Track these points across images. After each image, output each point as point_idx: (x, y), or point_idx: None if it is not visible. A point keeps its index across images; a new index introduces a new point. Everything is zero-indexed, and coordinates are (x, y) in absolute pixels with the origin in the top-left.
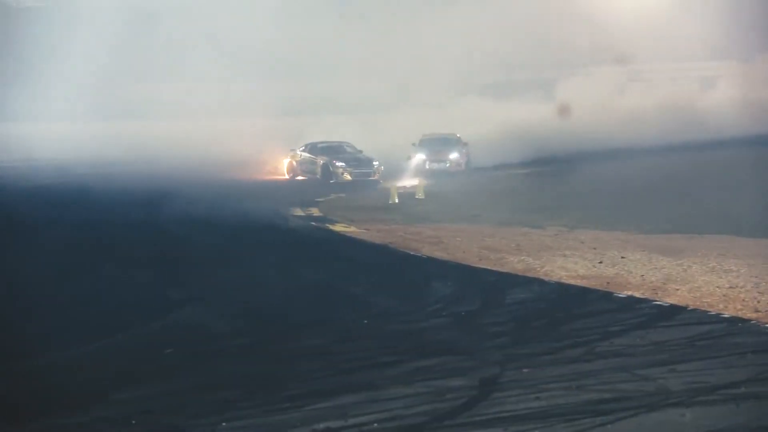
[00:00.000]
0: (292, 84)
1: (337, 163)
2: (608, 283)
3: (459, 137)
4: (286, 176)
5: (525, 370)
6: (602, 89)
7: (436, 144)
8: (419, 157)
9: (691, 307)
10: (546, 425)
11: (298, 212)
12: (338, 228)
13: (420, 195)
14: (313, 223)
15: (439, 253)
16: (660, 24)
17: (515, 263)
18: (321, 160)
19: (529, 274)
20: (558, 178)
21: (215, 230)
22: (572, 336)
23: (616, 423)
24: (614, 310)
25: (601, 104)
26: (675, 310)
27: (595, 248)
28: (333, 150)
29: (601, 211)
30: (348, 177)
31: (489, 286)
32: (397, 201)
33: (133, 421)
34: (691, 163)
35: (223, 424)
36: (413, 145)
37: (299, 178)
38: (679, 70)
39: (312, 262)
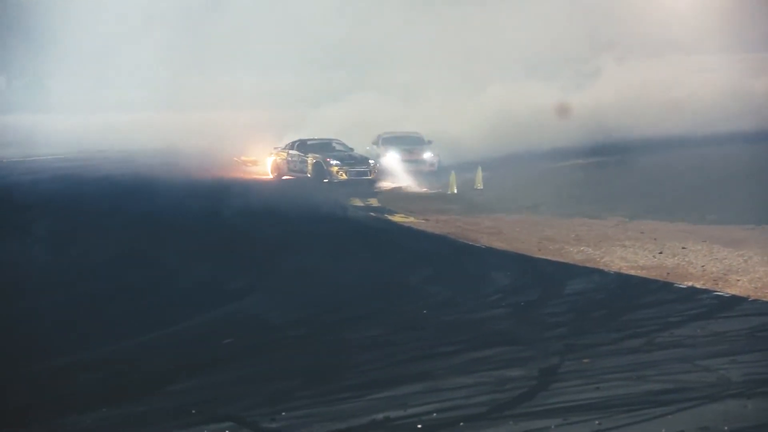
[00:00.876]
0: (348, 72)
1: (332, 162)
2: (668, 273)
3: (421, 135)
4: (270, 176)
5: (585, 361)
6: (660, 78)
7: (402, 143)
8: (392, 156)
9: (752, 298)
10: (606, 415)
11: (357, 203)
12: (397, 218)
13: (479, 185)
14: (372, 214)
15: (498, 244)
16: (712, 13)
17: (575, 254)
18: (312, 159)
19: (589, 265)
20: (616, 168)
21: (275, 221)
22: (632, 326)
23: (676, 414)
24: (674, 301)
25: (656, 94)
26: (736, 301)
27: (655, 239)
28: (323, 148)
29: (661, 201)
30: (343, 176)
31: (548, 277)
32: (455, 191)
33: (193, 411)
34: (748, 154)
35: (283, 413)
36: (373, 144)
37: (285, 177)
38: (735, 60)
39: (371, 253)
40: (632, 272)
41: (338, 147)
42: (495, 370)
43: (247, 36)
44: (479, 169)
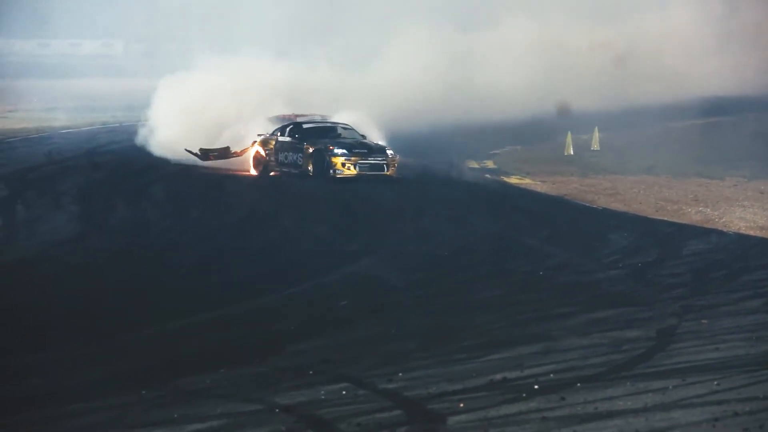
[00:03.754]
0: None
1: (336, 150)
2: None
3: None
4: (253, 171)
5: (703, 322)
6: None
7: (328, 135)
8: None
9: None
10: (724, 376)
11: (473, 165)
12: (513, 180)
13: (595, 146)
14: (488, 176)
15: (615, 205)
16: None
17: (693, 214)
18: (311, 147)
19: (707, 225)
20: (731, 128)
21: (391, 183)
22: (752, 287)
23: None
24: None
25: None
26: None
27: None
28: (324, 133)
29: None
30: (351, 170)
31: (666, 238)
32: (572, 152)
33: (311, 372)
34: None
35: (400, 374)
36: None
37: (273, 173)
38: None
39: (487, 214)
40: (752, 233)
41: (345, 133)
42: (612, 331)
43: None
44: (596, 129)
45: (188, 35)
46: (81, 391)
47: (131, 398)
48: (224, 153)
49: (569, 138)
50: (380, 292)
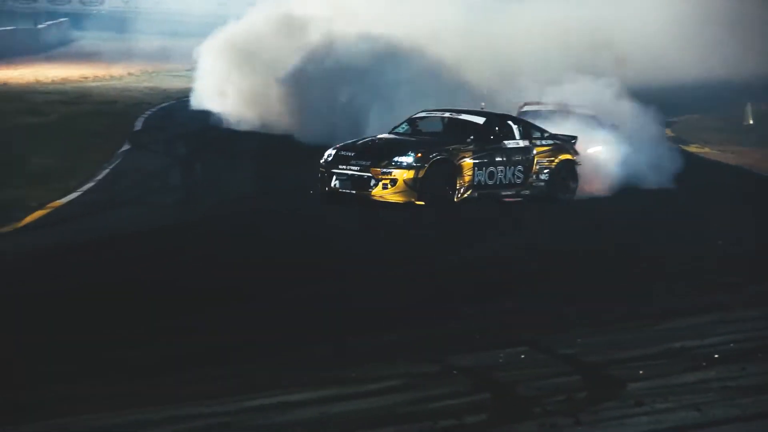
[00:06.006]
0: None
1: (333, 152)
2: None
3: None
4: None
5: None
6: None
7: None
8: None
9: None
10: None
11: None
12: (692, 149)
13: None
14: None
15: None
16: None
17: None
18: None
19: None
20: None
21: None
22: None
23: None
24: None
25: None
26: None
27: None
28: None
29: None
30: (326, 182)
31: None
32: (751, 122)
33: (489, 335)
34: None
35: (578, 340)
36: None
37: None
38: None
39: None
40: None
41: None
42: None
43: None
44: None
45: None
46: (262, 347)
47: (303, 356)
48: None
49: (749, 108)
50: (551, 255)
